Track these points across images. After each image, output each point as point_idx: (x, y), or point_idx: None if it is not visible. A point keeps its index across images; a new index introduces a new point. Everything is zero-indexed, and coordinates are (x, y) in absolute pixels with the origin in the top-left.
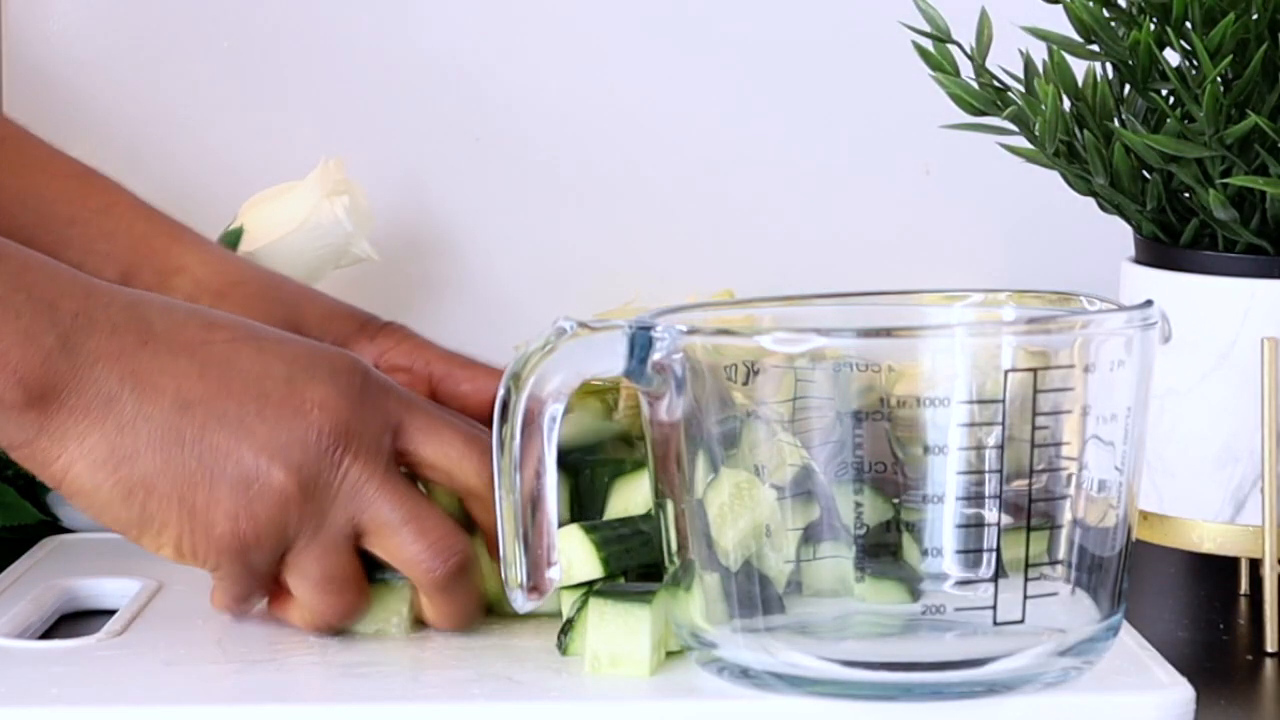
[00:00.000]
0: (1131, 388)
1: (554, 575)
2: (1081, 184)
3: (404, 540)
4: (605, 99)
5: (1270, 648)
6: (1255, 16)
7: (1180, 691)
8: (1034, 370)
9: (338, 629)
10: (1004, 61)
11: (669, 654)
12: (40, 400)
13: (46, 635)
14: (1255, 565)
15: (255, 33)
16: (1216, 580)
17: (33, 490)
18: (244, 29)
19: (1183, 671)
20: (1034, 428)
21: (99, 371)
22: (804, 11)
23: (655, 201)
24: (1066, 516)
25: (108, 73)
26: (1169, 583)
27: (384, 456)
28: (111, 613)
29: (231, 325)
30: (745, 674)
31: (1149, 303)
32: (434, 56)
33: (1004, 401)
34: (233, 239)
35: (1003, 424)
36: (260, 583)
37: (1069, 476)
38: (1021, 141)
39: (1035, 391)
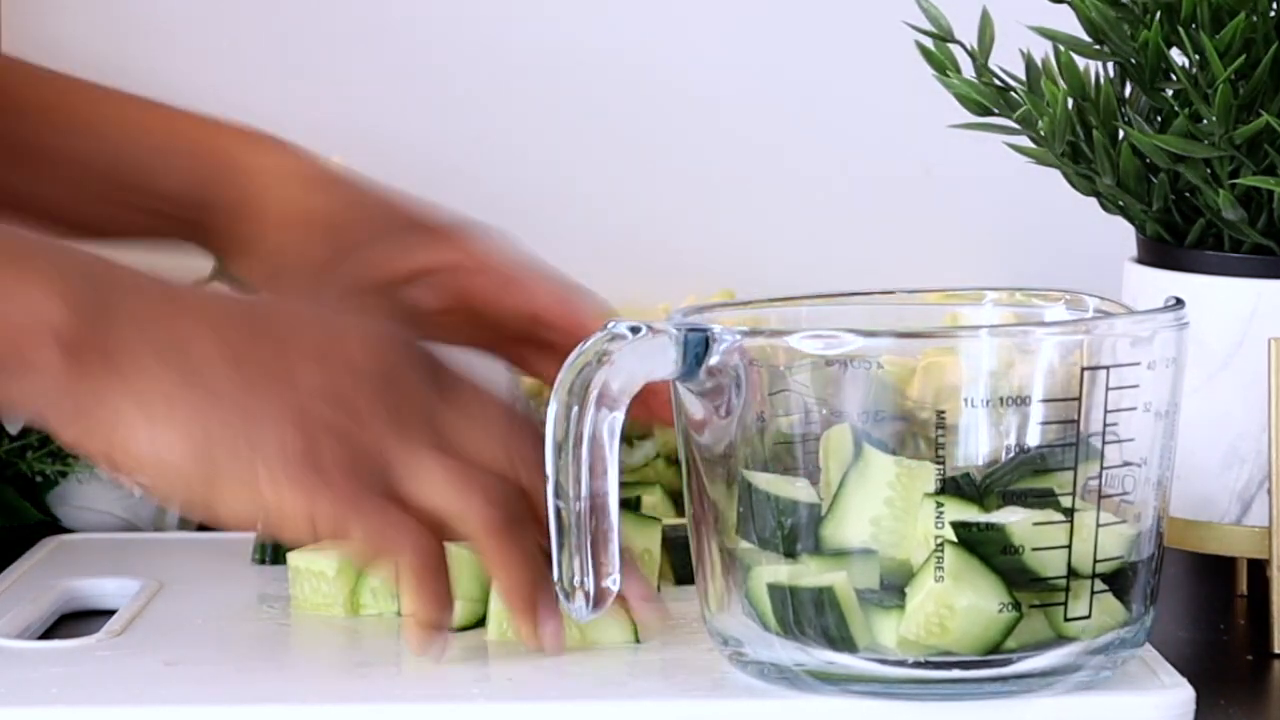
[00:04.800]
0: (1174, 384)
1: (613, 585)
2: (1085, 184)
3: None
4: (605, 99)
5: (1278, 649)
6: (1256, 19)
7: (1180, 692)
8: (1107, 368)
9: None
10: (1002, 61)
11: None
12: (83, 358)
13: (46, 635)
14: (1255, 566)
15: (255, 33)
16: (1216, 581)
17: (33, 490)
18: (244, 29)
19: (1183, 672)
20: (1105, 424)
21: (140, 327)
22: (804, 11)
23: (655, 201)
24: (1132, 513)
25: (107, 72)
26: (1169, 583)
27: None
28: (111, 613)
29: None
30: (778, 671)
31: (1180, 301)
32: (433, 56)
33: (1080, 399)
34: None
35: (1078, 421)
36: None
37: (1133, 474)
38: (1026, 141)
39: (1107, 389)
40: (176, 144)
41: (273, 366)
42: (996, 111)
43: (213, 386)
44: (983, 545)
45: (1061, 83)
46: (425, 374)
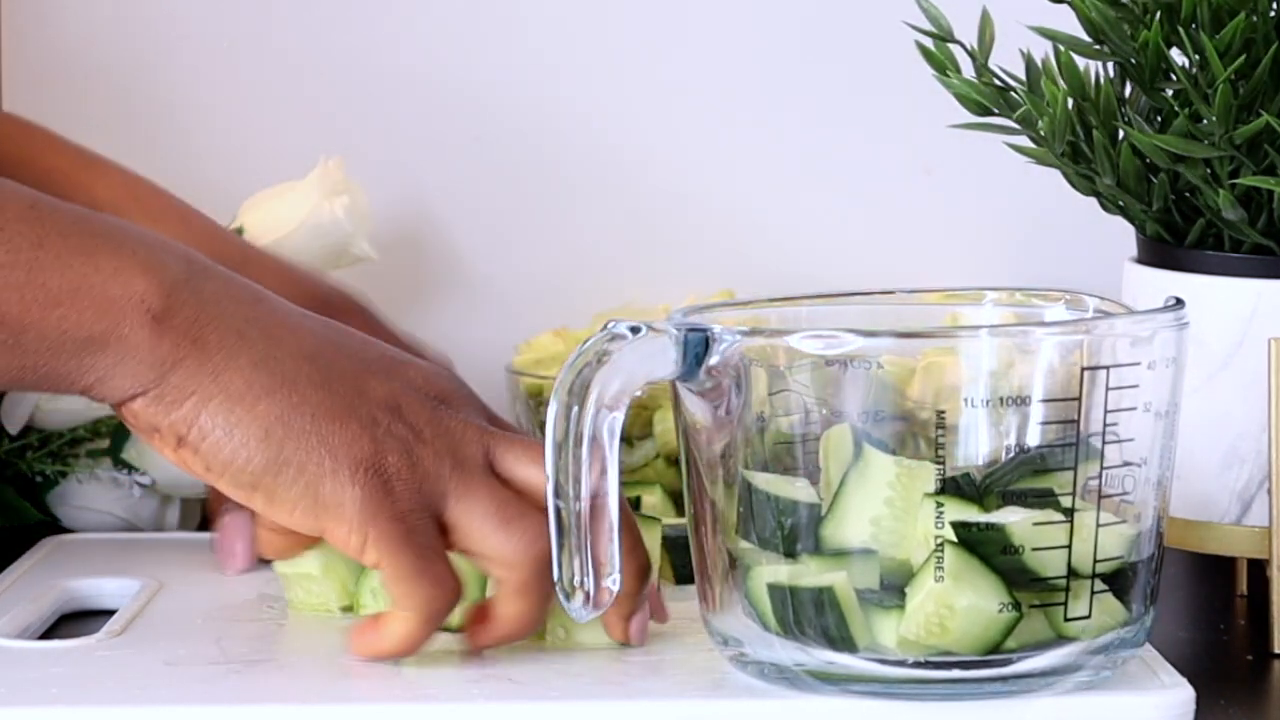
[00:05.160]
0: (1174, 384)
1: (613, 586)
2: (1084, 184)
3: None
4: (605, 99)
5: (1277, 649)
6: (1256, 19)
7: (1180, 692)
8: (1107, 368)
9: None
10: (1002, 61)
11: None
12: (171, 331)
13: (46, 635)
14: (1255, 566)
15: (255, 33)
16: (1216, 581)
17: (33, 490)
18: (244, 29)
19: (1183, 672)
20: (1105, 424)
21: (226, 309)
22: (804, 11)
23: (655, 201)
24: (1132, 513)
25: (107, 72)
26: (1169, 583)
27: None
28: (111, 613)
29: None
30: (778, 671)
31: (1180, 302)
32: (434, 56)
33: (1080, 399)
34: None
35: (1078, 422)
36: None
37: (1133, 474)
38: (1026, 141)
39: (1107, 389)
40: (20, 157)
41: (346, 372)
42: (996, 111)
43: (291, 377)
44: (983, 545)
45: (1061, 83)
46: (477, 407)
